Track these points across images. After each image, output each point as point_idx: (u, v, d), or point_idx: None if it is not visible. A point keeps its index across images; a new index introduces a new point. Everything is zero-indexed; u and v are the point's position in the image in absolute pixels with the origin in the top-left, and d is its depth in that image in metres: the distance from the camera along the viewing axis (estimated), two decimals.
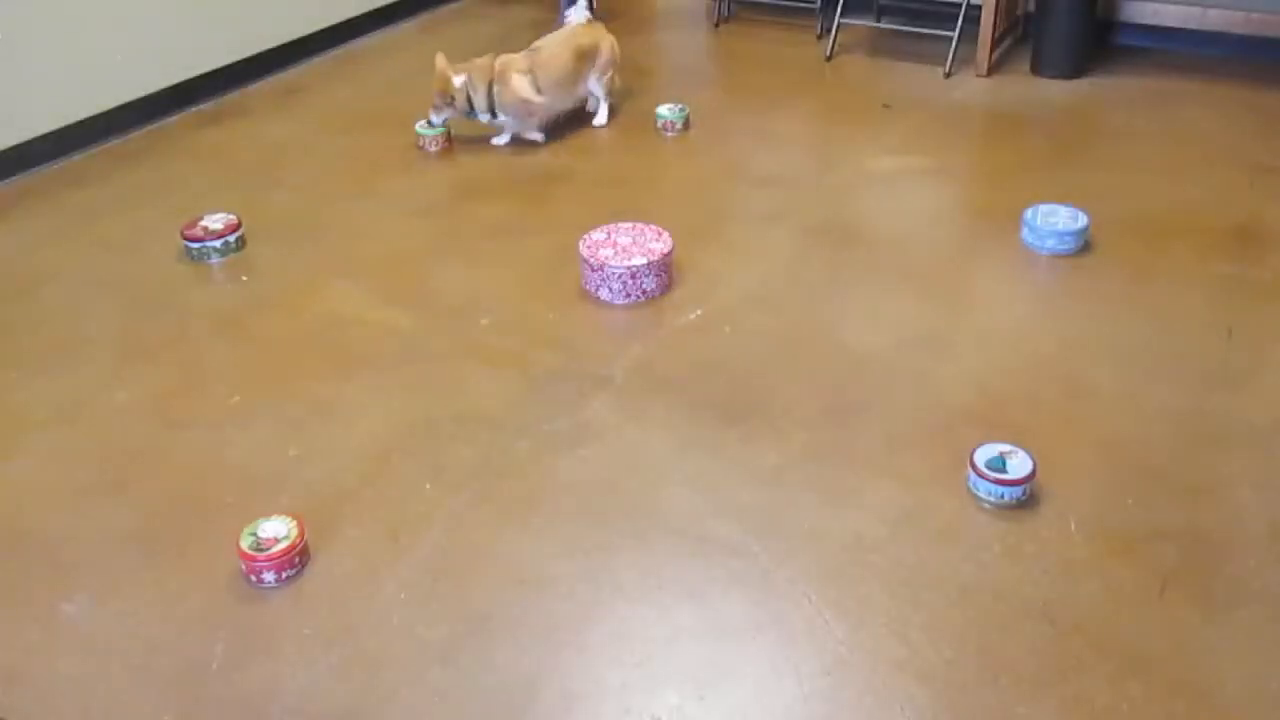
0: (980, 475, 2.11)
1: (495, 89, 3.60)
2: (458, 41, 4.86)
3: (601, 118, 3.98)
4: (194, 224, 3.12)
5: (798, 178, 3.52)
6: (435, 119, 3.70)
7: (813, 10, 4.85)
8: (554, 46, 3.76)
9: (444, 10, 5.24)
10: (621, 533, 2.08)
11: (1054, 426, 2.32)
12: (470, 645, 1.85)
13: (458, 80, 3.59)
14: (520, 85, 3.62)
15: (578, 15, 4.41)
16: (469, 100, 3.62)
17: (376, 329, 2.76)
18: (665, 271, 2.86)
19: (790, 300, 2.84)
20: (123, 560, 2.06)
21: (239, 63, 4.31)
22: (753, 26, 4.96)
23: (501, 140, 3.81)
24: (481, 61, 3.63)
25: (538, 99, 3.67)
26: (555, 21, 4.46)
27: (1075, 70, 4.19)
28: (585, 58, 3.81)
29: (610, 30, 3.98)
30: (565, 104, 3.85)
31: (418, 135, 3.77)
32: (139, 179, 3.62)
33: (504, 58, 3.64)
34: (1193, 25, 4.17)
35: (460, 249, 3.13)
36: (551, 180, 3.54)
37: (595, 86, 3.91)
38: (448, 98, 3.61)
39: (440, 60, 3.60)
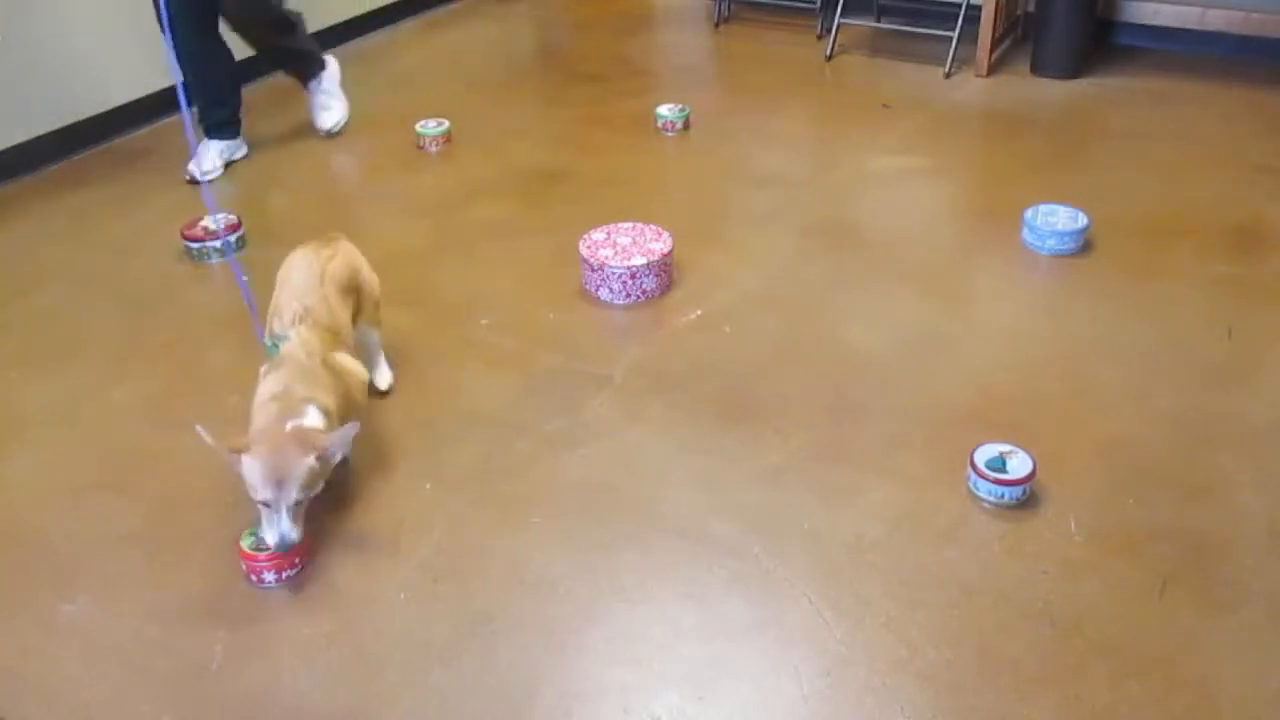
0: (980, 475, 2.11)
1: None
2: (458, 41, 4.87)
3: (385, 377, 2.49)
4: (194, 224, 3.12)
5: (798, 178, 3.52)
6: (288, 534, 1.89)
7: (813, 10, 4.85)
8: (313, 292, 2.17)
9: (444, 10, 5.24)
10: (621, 533, 2.08)
11: (1054, 426, 2.32)
12: (470, 645, 1.85)
13: (321, 420, 1.97)
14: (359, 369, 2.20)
15: (211, 162, 3.54)
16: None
17: None
18: (665, 271, 2.86)
19: (790, 300, 2.83)
20: (123, 560, 2.06)
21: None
22: (753, 26, 4.96)
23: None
24: (293, 372, 2.03)
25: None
26: (186, 170, 3.54)
27: (1075, 70, 4.19)
28: (351, 292, 2.29)
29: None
30: None
31: (418, 135, 3.77)
32: (139, 179, 3.62)
33: (301, 347, 2.06)
34: (1193, 25, 4.16)
35: (460, 249, 3.13)
36: (551, 180, 3.54)
37: (369, 334, 2.43)
38: (322, 461, 1.91)
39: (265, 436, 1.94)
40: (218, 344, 2.72)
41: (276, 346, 2.09)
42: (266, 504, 1.88)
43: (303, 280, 2.18)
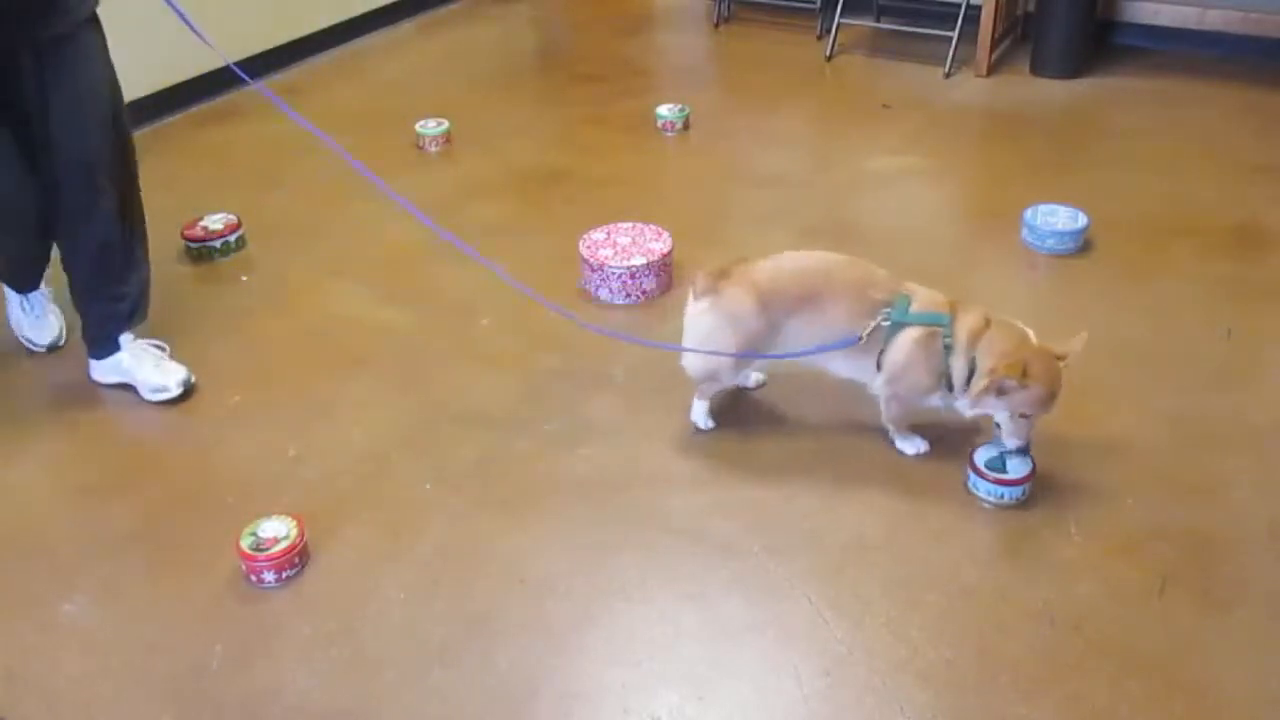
0: (980, 475, 2.11)
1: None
2: (458, 41, 4.87)
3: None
4: (194, 224, 3.12)
5: (798, 178, 3.52)
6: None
7: (813, 10, 4.85)
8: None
9: (444, 10, 5.24)
10: (621, 533, 2.08)
11: (1054, 426, 2.32)
12: (470, 645, 1.85)
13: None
14: None
15: (50, 331, 2.62)
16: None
17: (376, 329, 2.76)
18: (665, 271, 2.85)
19: None
20: (123, 560, 2.06)
21: (239, 63, 4.30)
22: (753, 26, 4.96)
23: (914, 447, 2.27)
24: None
25: None
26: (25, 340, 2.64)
27: (1075, 70, 4.19)
28: None
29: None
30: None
31: (418, 135, 3.77)
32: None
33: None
34: (1192, 25, 4.17)
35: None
36: (551, 180, 3.54)
37: None
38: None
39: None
40: (218, 344, 2.72)
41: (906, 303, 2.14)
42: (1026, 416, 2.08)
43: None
